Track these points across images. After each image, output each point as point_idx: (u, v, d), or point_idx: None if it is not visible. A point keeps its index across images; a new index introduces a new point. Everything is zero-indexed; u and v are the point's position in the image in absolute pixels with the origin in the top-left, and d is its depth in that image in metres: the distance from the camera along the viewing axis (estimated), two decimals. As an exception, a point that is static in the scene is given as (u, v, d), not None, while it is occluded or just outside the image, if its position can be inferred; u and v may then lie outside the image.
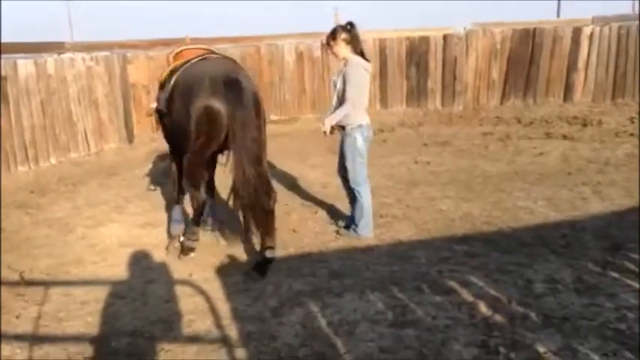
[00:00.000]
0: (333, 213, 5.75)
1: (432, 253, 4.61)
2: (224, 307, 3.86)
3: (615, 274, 4.02)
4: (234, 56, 10.70)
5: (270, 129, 11.28)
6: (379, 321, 3.55)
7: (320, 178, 7.11)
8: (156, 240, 5.24)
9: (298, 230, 5.32)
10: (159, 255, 4.89)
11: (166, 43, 10.34)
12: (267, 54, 11.24)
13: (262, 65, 11.22)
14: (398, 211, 5.70)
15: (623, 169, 6.82)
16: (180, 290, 4.18)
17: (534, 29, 11.37)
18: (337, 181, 6.89)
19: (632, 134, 8.61)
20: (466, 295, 3.84)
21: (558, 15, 18.76)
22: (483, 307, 3.65)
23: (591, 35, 11.03)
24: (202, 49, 5.14)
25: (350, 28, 4.84)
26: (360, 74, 4.81)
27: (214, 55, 4.89)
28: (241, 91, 4.16)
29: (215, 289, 4.17)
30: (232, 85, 4.17)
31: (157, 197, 6.62)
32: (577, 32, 11.09)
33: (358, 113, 4.87)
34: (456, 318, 3.54)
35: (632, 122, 9.40)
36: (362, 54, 4.88)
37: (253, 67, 11.04)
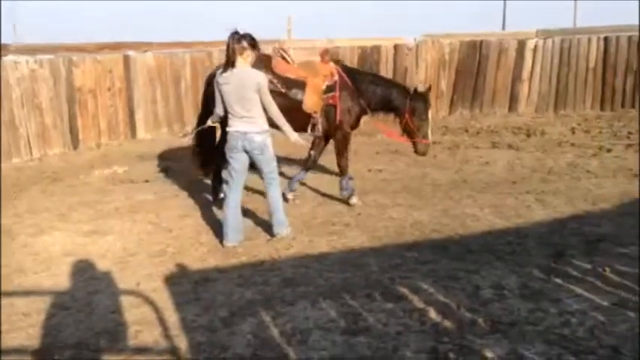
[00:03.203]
0: (288, 219, 5.72)
1: (383, 260, 4.66)
2: (173, 318, 3.78)
3: (558, 280, 4.15)
4: (185, 61, 10.74)
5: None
6: (331, 329, 3.55)
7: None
8: (101, 249, 5.10)
9: (251, 238, 5.28)
10: (104, 264, 4.75)
11: (115, 46, 10.15)
12: (218, 59, 11.12)
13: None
14: (350, 219, 5.74)
15: (565, 178, 7.07)
16: (126, 300, 4.07)
17: (481, 41, 11.72)
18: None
19: (573, 144, 8.95)
20: (417, 302, 3.89)
21: (504, 27, 19.38)
22: (433, 314, 3.71)
23: (535, 48, 11.45)
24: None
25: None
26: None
27: None
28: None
29: (163, 299, 4.08)
30: None
31: (103, 205, 6.44)
32: (521, 45, 11.50)
33: (227, 121, 5.03)
34: (407, 325, 3.58)
35: (573, 133, 9.78)
36: (229, 63, 4.93)
37: (205, 72, 10.92)
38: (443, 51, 11.69)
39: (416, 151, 6.27)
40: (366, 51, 11.68)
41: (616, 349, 3.19)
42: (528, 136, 9.74)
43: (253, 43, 4.91)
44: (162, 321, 3.73)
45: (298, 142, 5.23)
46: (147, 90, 10.32)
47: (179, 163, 8.42)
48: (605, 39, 10.84)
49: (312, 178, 7.17)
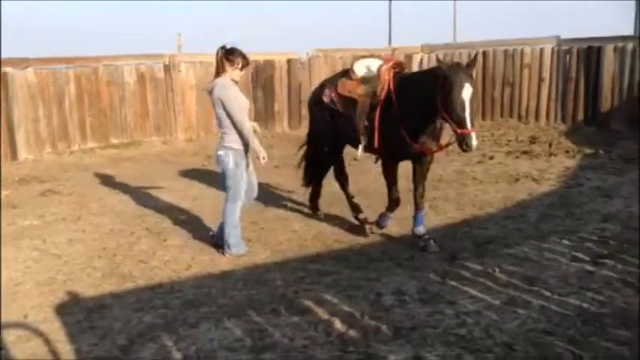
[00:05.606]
0: (185, 239, 5.58)
1: (287, 273, 4.65)
2: (66, 350, 3.55)
3: (454, 283, 4.35)
4: (68, 77, 10.19)
5: (112, 153, 10.72)
6: (237, 348, 3.48)
7: (169, 203, 6.87)
8: (-18, 281, 4.68)
9: (147, 260, 5.08)
10: (-14, 297, 4.36)
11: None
12: (105, 75, 10.67)
13: (100, 86, 10.61)
14: (252, 234, 5.68)
15: (454, 185, 7.46)
16: (13, 335, 3.76)
17: (371, 56, 12.09)
18: (189, 205, 6.74)
19: (459, 153, 9.43)
20: (322, 314, 3.91)
21: (390, 43, 20.14)
22: (338, 324, 3.75)
23: (421, 62, 12.02)
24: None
25: None
26: None
27: None
28: None
29: (55, 330, 3.82)
30: None
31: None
32: (409, 59, 12.01)
33: None
34: (313, 337, 3.59)
35: (459, 142, 10.32)
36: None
37: (90, 88, 10.44)
38: (335, 66, 11.94)
39: (460, 147, 4.74)
40: (259, 65, 11.69)
41: (510, 345, 3.38)
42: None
43: (232, 59, 4.99)
44: (54, 354, 3.49)
45: (264, 161, 5.06)
46: (28, 108, 9.67)
47: (65, 185, 7.95)
48: (484, 53, 11.58)
49: (212, 194, 7.04)
